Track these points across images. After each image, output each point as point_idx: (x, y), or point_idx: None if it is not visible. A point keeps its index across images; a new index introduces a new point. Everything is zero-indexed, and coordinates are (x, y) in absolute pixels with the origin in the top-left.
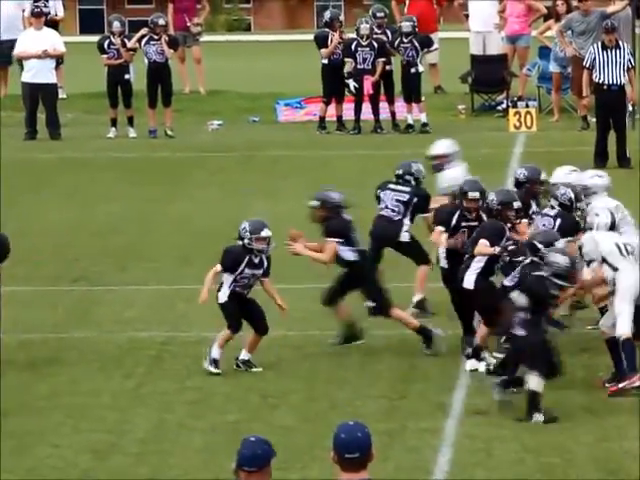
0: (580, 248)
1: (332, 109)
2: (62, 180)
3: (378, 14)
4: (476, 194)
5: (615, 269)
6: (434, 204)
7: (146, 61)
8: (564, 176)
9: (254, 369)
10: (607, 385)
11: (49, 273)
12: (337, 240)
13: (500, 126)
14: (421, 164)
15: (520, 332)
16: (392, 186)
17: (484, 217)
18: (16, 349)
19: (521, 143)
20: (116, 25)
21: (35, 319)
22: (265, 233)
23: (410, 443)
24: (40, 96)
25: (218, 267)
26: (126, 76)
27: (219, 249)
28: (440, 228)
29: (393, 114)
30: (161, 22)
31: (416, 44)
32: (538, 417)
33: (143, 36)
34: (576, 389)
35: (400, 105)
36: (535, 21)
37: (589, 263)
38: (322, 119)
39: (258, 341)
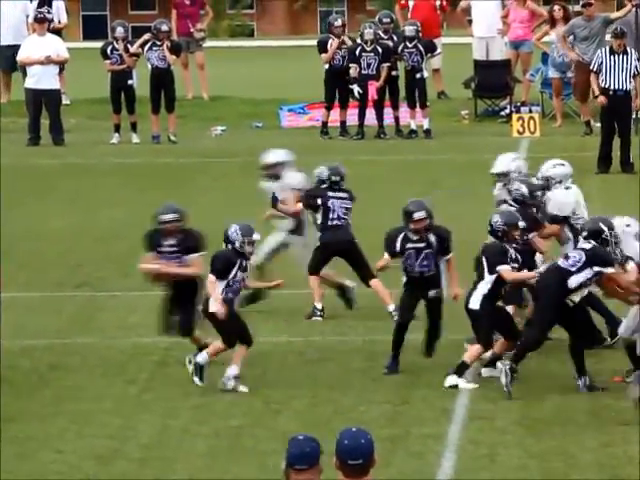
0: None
1: (336, 114)
2: (65, 186)
3: (384, 19)
4: (422, 214)
5: None
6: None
7: (149, 67)
8: (507, 164)
9: (242, 388)
10: (627, 380)
11: (52, 279)
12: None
13: (503, 131)
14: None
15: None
16: (334, 194)
17: (432, 237)
18: (19, 355)
19: (524, 148)
20: (119, 31)
21: (38, 325)
22: (256, 237)
23: (414, 449)
24: (43, 102)
25: (212, 277)
26: (129, 82)
27: None
28: (386, 257)
29: (397, 120)
30: (164, 28)
31: (421, 49)
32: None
33: (146, 41)
34: (580, 394)
35: (404, 111)
36: (538, 26)
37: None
38: (324, 124)
39: (245, 354)
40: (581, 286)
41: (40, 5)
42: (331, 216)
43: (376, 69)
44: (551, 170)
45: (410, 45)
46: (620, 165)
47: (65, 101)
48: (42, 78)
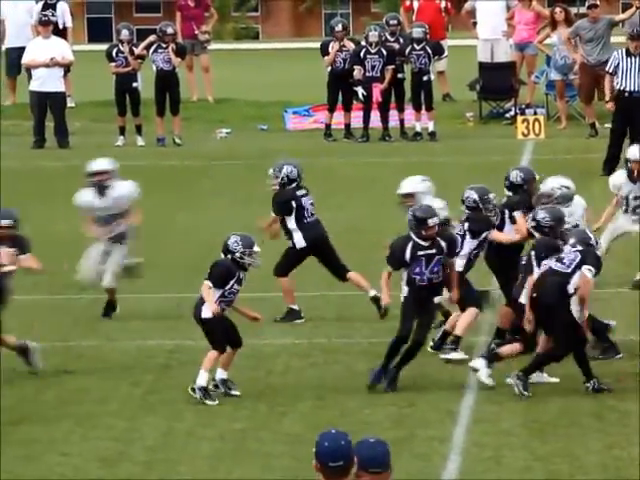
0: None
1: (341, 117)
2: (70, 188)
3: (391, 22)
4: (435, 220)
5: None
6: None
7: (154, 69)
8: (414, 185)
9: (234, 392)
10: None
11: (57, 281)
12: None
13: (508, 133)
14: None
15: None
16: (300, 192)
17: (442, 243)
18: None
19: (529, 150)
20: (124, 33)
21: (43, 327)
22: (256, 248)
23: (419, 451)
24: (48, 104)
25: (208, 283)
26: (134, 84)
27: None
28: (388, 269)
29: (402, 122)
30: (169, 31)
31: (429, 51)
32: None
33: (151, 44)
34: (585, 396)
35: (409, 113)
36: (544, 28)
37: None
38: (327, 127)
39: (233, 356)
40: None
41: (44, 8)
42: (305, 214)
43: (380, 71)
44: (558, 191)
45: (418, 47)
46: None
47: (70, 104)
48: (47, 81)
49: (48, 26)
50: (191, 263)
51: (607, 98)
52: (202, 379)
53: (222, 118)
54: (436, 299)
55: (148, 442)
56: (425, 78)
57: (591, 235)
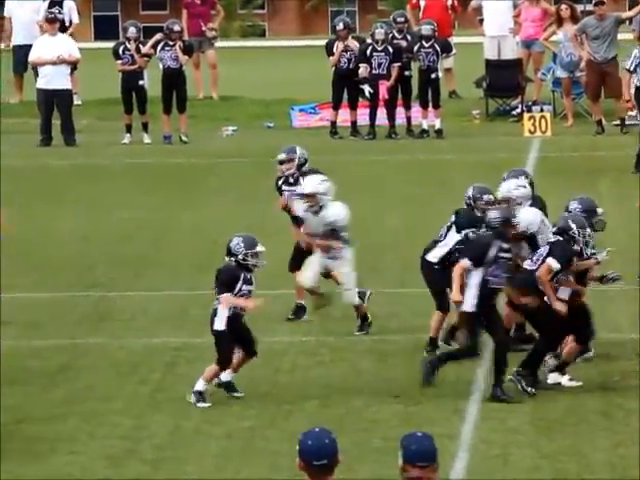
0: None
1: (347, 114)
2: (76, 187)
3: (399, 19)
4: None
5: None
6: None
7: (161, 67)
8: (316, 186)
9: (236, 394)
10: None
11: (64, 279)
12: None
13: (515, 131)
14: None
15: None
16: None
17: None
18: (30, 355)
19: (536, 148)
20: (131, 31)
21: (49, 325)
22: (260, 248)
23: None
24: (55, 102)
25: (227, 296)
26: (140, 82)
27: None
28: (466, 262)
29: (409, 119)
30: (176, 28)
31: (437, 49)
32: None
33: (158, 42)
34: (592, 394)
35: (415, 110)
36: (550, 26)
37: None
38: (333, 124)
39: (244, 363)
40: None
41: (51, 5)
42: None
43: (387, 69)
44: (514, 192)
45: (426, 45)
46: None
47: (76, 101)
48: (54, 78)
49: (55, 24)
50: (197, 261)
51: (627, 97)
52: (199, 385)
53: (228, 116)
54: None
55: (155, 440)
56: (433, 76)
57: (572, 225)
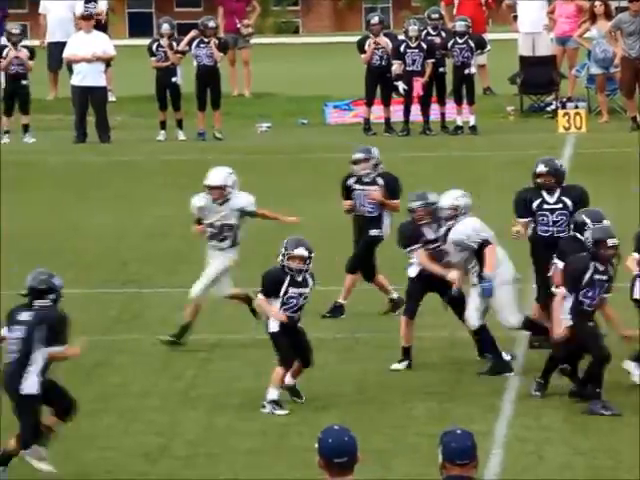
0: None
1: (381, 111)
2: (111, 183)
3: (433, 15)
4: (615, 241)
5: None
6: None
7: (195, 64)
8: (224, 178)
9: (298, 400)
10: None
11: (98, 276)
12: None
13: (549, 127)
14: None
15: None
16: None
17: (611, 270)
18: None
19: (571, 144)
20: (165, 27)
21: (84, 322)
22: (299, 252)
23: None
24: (89, 99)
25: (261, 296)
26: (173, 79)
27: (268, 252)
28: (562, 292)
29: (443, 116)
30: (211, 24)
31: (472, 45)
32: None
33: (193, 39)
34: (626, 391)
35: (450, 107)
36: (584, 22)
37: None
38: (367, 121)
39: (300, 372)
40: None
41: (87, 2)
42: None
43: (421, 65)
44: (461, 200)
45: (460, 41)
46: None
47: (111, 98)
48: (88, 75)
49: (90, 20)
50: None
51: None
52: (272, 394)
53: (262, 113)
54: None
55: (189, 437)
56: (467, 72)
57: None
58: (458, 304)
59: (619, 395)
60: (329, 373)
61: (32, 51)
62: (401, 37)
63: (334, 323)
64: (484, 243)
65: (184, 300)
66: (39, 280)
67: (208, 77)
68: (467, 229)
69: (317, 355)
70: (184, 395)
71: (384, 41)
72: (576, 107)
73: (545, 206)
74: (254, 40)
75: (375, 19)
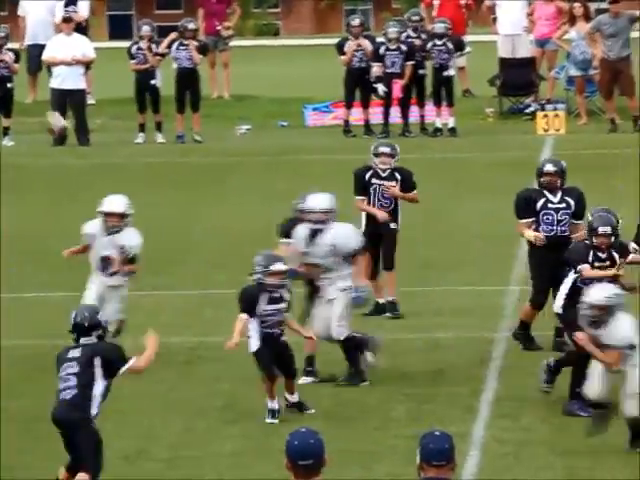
0: None
1: (361, 113)
2: (90, 186)
3: (413, 17)
4: (607, 229)
5: None
6: None
7: (175, 66)
8: (125, 205)
9: (308, 412)
10: None
11: (80, 278)
12: None
13: (528, 129)
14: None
15: None
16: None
17: (615, 255)
18: (48, 354)
19: (550, 146)
20: (145, 29)
21: (65, 324)
22: (277, 267)
23: None
24: (68, 102)
25: (242, 316)
26: (152, 81)
27: (249, 254)
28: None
29: (422, 118)
30: (191, 26)
31: (450, 47)
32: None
33: (173, 41)
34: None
35: (429, 109)
36: (564, 24)
37: None
38: (346, 123)
39: (292, 382)
40: None
41: (67, 4)
42: None
43: (400, 67)
44: (334, 202)
45: (439, 43)
46: None
47: (91, 101)
48: (67, 78)
49: (70, 23)
50: (212, 260)
51: None
52: (269, 404)
53: (242, 115)
54: None
55: (170, 439)
56: (446, 74)
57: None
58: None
59: None
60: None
61: (17, 54)
62: (380, 39)
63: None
64: (358, 250)
65: (166, 302)
66: (83, 317)
67: (188, 79)
68: (348, 233)
69: (297, 358)
70: (165, 398)
71: (364, 43)
72: (555, 109)
73: (550, 205)
74: (234, 42)
75: (356, 21)
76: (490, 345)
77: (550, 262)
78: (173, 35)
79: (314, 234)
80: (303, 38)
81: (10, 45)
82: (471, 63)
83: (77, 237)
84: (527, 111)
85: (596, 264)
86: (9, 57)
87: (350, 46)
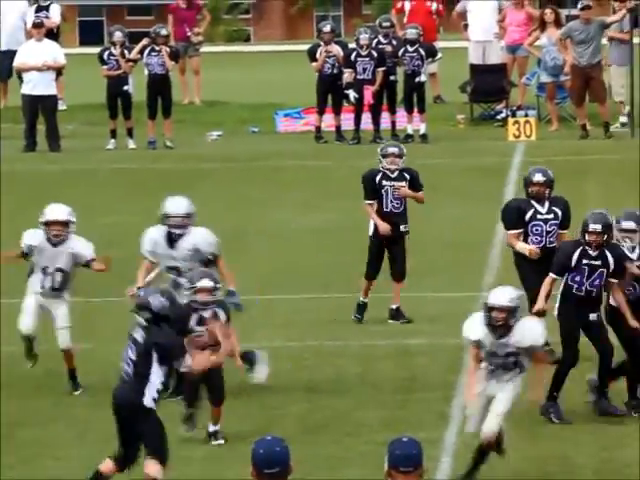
0: None
1: (332, 119)
2: (61, 192)
3: (384, 24)
4: (598, 226)
5: None
6: None
7: (146, 72)
8: (69, 213)
9: (215, 442)
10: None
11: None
12: None
13: (499, 135)
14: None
15: None
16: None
17: (608, 255)
18: (18, 360)
19: (520, 152)
20: (117, 35)
21: (36, 330)
22: (203, 283)
23: None
24: (40, 108)
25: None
26: (124, 87)
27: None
28: (552, 276)
29: (394, 124)
30: (163, 32)
31: (422, 53)
32: None
33: (145, 47)
34: (577, 399)
35: (400, 115)
36: (535, 30)
37: None
38: (318, 129)
39: (219, 411)
40: None
41: (38, 10)
42: None
43: (372, 73)
44: (193, 207)
45: (411, 49)
46: None
47: (62, 107)
48: (39, 84)
49: (41, 28)
50: None
51: None
52: (211, 428)
53: (214, 121)
54: (592, 316)
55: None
56: (418, 80)
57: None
58: None
59: (571, 402)
60: (280, 381)
61: None
62: (352, 45)
63: (284, 331)
64: (217, 254)
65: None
66: (138, 298)
67: (159, 85)
68: (207, 237)
69: (270, 363)
70: None
71: (335, 49)
72: (526, 115)
73: (539, 216)
74: (205, 48)
75: (327, 27)
76: (462, 351)
77: (541, 272)
78: (145, 41)
79: (174, 238)
80: (274, 44)
81: None
82: (442, 69)
83: None
84: (498, 117)
85: (584, 261)
86: None
87: (321, 52)
